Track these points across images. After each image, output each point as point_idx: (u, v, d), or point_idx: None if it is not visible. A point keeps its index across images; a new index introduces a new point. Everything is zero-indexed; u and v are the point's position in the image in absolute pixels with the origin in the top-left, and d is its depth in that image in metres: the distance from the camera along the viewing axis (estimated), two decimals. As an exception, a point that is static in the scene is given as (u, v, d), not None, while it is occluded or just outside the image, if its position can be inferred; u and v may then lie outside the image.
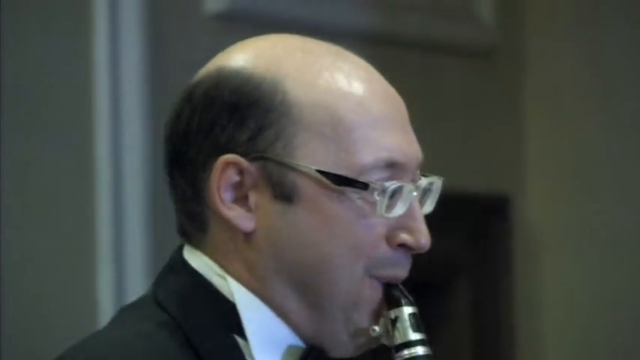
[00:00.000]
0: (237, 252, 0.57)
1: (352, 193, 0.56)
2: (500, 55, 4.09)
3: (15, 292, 2.71)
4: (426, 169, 0.62)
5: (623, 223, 3.46)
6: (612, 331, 3.10)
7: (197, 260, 0.58)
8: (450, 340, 2.83)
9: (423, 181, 0.61)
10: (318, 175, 0.55)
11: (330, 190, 0.56)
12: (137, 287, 2.37)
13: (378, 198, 0.56)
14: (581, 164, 3.75)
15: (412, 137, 0.60)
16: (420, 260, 0.61)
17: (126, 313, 0.60)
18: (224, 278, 0.57)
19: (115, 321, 0.60)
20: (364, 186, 0.55)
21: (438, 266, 2.54)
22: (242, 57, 0.59)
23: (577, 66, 3.92)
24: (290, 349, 0.57)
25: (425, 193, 0.61)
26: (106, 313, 2.65)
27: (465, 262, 3.18)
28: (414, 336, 0.57)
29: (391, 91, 0.61)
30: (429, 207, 0.62)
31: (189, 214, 0.59)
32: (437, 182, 0.62)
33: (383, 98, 0.59)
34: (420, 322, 0.57)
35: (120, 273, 2.36)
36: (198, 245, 0.59)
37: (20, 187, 2.79)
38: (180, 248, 0.60)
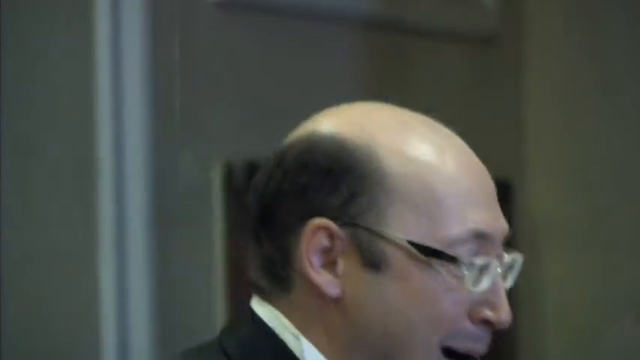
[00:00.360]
0: (319, 317, 0.57)
1: (440, 266, 0.56)
2: (501, 42, 4.09)
3: (15, 292, 2.68)
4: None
5: (623, 210, 3.49)
6: (613, 321, 3.12)
7: (269, 314, 0.59)
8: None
9: (508, 258, 0.61)
10: (408, 246, 0.55)
11: (419, 261, 0.56)
12: (139, 286, 2.35)
13: (466, 273, 0.56)
14: (582, 151, 3.78)
15: (499, 211, 0.61)
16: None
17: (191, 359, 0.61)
18: (297, 338, 0.57)
19: None
20: (453, 259, 0.56)
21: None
22: (335, 122, 0.60)
23: (578, 54, 3.95)
24: None
25: (507, 268, 0.61)
26: (106, 311, 2.63)
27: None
28: None
29: (481, 165, 0.62)
30: (509, 282, 0.62)
31: (271, 272, 0.59)
32: (519, 259, 0.62)
33: (473, 172, 0.60)
34: None
35: (121, 273, 2.33)
36: (273, 302, 0.59)
37: (20, 187, 2.77)
38: (247, 303, 0.61)
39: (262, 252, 0.60)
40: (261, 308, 0.59)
